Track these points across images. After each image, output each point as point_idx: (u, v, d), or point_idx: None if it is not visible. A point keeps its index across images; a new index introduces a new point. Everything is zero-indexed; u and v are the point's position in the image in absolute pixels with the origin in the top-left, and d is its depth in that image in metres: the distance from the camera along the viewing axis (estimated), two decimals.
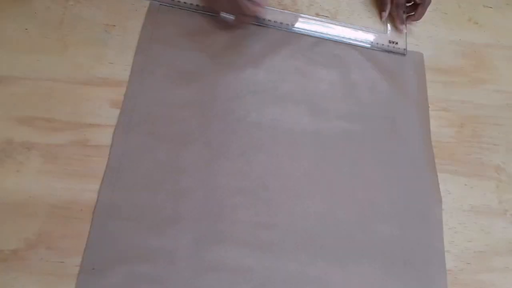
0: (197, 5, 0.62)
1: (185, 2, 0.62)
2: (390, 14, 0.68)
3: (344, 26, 0.67)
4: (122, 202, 0.48)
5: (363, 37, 0.66)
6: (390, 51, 0.66)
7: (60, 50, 0.55)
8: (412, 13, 0.68)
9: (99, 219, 0.47)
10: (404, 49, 0.67)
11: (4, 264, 0.44)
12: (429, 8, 0.68)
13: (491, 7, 0.76)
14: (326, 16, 0.67)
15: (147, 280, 0.45)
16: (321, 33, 0.65)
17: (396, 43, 0.67)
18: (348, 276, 0.50)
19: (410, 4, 0.69)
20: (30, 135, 0.50)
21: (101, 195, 0.48)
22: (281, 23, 0.64)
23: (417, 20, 0.68)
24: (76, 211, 0.47)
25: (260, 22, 0.57)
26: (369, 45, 0.66)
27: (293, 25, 0.65)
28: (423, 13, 0.67)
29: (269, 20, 0.64)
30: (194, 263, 0.47)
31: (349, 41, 0.65)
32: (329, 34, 0.66)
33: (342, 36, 0.66)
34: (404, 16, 0.68)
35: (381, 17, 0.67)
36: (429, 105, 0.63)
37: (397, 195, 0.56)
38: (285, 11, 0.66)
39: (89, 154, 0.50)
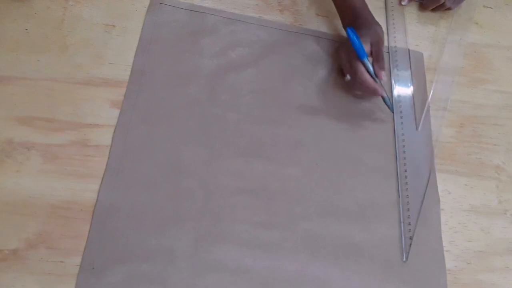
0: (197, 6, 0.62)
1: (185, 2, 0.62)
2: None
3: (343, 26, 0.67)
4: (122, 202, 0.48)
5: None
6: (390, 51, 0.66)
7: (60, 50, 0.55)
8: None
9: (99, 219, 0.47)
10: (405, 50, 0.67)
11: (4, 264, 0.44)
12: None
13: (491, 7, 0.76)
14: (326, 16, 0.67)
15: (147, 280, 0.45)
16: (321, 33, 0.65)
17: (396, 44, 0.67)
18: (348, 276, 0.50)
19: None
20: (30, 135, 0.50)
21: (101, 195, 0.48)
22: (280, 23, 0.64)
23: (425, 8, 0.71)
24: (76, 211, 0.47)
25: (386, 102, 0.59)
26: None
27: (293, 25, 0.65)
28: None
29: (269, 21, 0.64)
30: (194, 263, 0.47)
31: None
32: (329, 34, 0.66)
33: (342, 36, 0.66)
34: None
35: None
36: (429, 105, 0.63)
37: (396, 195, 0.56)
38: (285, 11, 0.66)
39: (89, 154, 0.50)
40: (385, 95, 0.57)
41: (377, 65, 0.56)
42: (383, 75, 0.55)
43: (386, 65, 0.64)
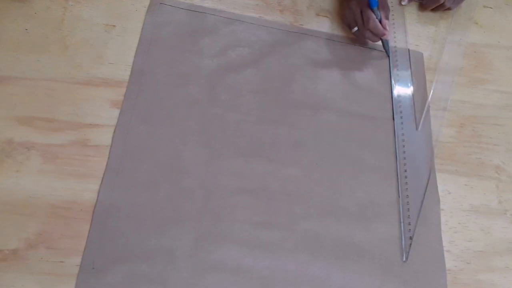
0: (198, 6, 0.62)
1: (185, 2, 0.62)
2: None
3: (343, 26, 0.67)
4: (122, 202, 0.48)
5: None
6: (390, 54, 0.66)
7: (60, 50, 0.55)
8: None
9: (99, 219, 0.47)
10: (405, 50, 0.67)
11: (4, 264, 0.44)
12: None
13: (491, 7, 0.76)
14: (326, 16, 0.67)
15: (146, 280, 0.45)
16: (321, 33, 0.65)
17: (396, 44, 0.67)
18: (348, 276, 0.50)
19: None
20: (30, 135, 0.50)
21: (101, 195, 0.48)
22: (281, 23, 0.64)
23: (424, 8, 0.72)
24: (76, 211, 0.47)
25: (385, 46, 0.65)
26: (368, 46, 0.66)
27: (293, 25, 0.65)
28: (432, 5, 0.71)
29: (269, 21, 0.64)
30: (194, 263, 0.47)
31: (348, 41, 0.66)
32: (329, 34, 0.66)
33: (342, 36, 0.66)
34: None
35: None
36: (429, 105, 0.63)
37: (396, 195, 0.56)
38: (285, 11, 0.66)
39: (89, 154, 0.50)
40: (388, 38, 0.63)
41: (383, 13, 0.61)
42: (387, 24, 0.61)
43: (386, 65, 0.65)
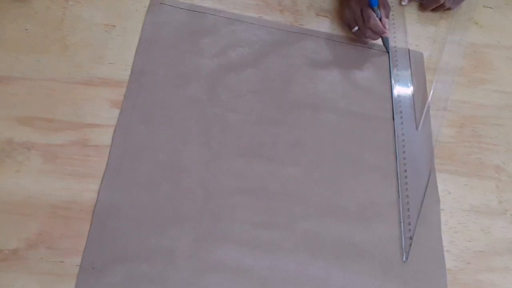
0: (197, 6, 0.62)
1: (185, 2, 0.62)
2: None
3: (343, 26, 0.67)
4: (122, 202, 0.48)
5: None
6: (390, 51, 0.66)
7: (60, 50, 0.55)
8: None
9: (99, 219, 0.47)
10: (405, 50, 0.67)
11: (4, 264, 0.44)
12: None
13: (491, 7, 0.76)
14: (326, 16, 0.67)
15: (146, 280, 0.45)
16: (321, 33, 0.65)
17: (396, 44, 0.67)
18: (348, 276, 0.50)
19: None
20: (30, 135, 0.50)
21: (101, 195, 0.48)
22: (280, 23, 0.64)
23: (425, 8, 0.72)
24: (76, 211, 0.47)
25: (385, 44, 0.65)
26: (368, 46, 0.66)
27: (293, 25, 0.65)
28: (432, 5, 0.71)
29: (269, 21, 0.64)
30: (193, 263, 0.47)
31: (348, 41, 0.66)
32: (329, 34, 0.66)
33: (342, 36, 0.66)
34: None
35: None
36: (429, 105, 0.63)
37: (396, 195, 0.56)
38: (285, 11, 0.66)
39: (89, 154, 0.50)
40: (388, 36, 0.64)
41: (384, 12, 0.62)
42: (387, 22, 0.62)
43: (386, 65, 0.65)
